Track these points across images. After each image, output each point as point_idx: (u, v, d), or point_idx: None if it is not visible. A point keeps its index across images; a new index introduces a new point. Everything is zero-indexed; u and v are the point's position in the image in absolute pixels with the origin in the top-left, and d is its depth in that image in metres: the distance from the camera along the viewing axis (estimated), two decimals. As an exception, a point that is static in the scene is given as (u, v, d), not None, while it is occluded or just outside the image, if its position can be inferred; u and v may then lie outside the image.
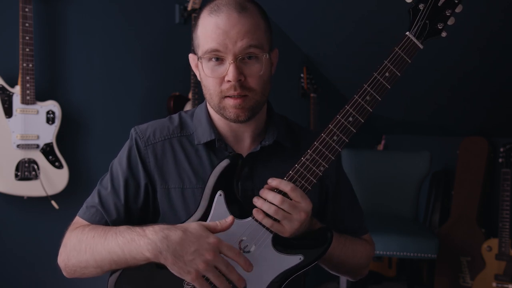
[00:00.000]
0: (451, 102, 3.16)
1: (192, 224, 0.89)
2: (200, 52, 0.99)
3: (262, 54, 0.98)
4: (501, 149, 2.84)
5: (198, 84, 2.40)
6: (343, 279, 2.63)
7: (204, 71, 0.98)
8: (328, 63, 3.33)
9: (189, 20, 2.50)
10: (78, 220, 1.08)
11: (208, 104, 1.09)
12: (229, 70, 0.95)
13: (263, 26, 1.00)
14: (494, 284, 2.78)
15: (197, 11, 2.43)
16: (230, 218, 0.90)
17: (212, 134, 1.05)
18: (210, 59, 0.97)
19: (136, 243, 0.89)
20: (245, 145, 1.08)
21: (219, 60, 0.97)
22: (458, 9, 0.96)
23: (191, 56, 1.08)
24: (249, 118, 1.00)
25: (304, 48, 3.22)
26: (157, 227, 0.89)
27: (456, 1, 0.95)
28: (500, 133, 3.22)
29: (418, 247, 2.53)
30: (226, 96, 0.97)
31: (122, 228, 0.95)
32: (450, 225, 3.19)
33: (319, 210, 1.14)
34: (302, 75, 3.21)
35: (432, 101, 3.23)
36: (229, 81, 0.95)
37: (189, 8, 2.43)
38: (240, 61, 0.96)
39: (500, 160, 2.85)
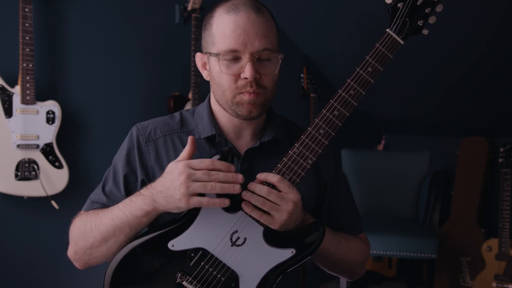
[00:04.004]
0: (451, 102, 3.16)
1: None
2: (215, 49, 1.00)
3: (277, 55, 1.01)
4: (501, 149, 2.84)
5: (198, 84, 2.40)
6: (343, 279, 2.64)
7: (220, 68, 1.00)
8: (328, 63, 3.33)
9: (189, 20, 2.50)
10: (82, 213, 1.12)
11: (212, 101, 1.11)
12: (246, 68, 0.97)
13: (275, 30, 1.04)
14: (494, 284, 2.78)
15: (197, 11, 2.43)
16: (189, 138, 0.95)
17: (213, 129, 1.07)
18: (226, 57, 0.99)
19: (134, 202, 0.97)
20: (245, 141, 1.10)
21: (236, 58, 0.99)
22: (438, 9, 1.00)
23: (198, 55, 1.08)
24: (260, 115, 1.03)
25: (304, 48, 3.22)
26: (147, 185, 0.98)
27: (435, 0, 0.99)
28: (500, 133, 3.22)
29: (418, 247, 2.53)
30: (240, 93, 1.00)
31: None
32: (450, 225, 3.19)
33: (317, 206, 1.15)
34: (302, 75, 3.21)
35: (432, 100, 3.23)
36: (245, 78, 0.98)
37: (189, 8, 2.43)
38: (257, 60, 0.99)
39: (500, 160, 2.85)
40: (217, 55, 1.00)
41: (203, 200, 0.91)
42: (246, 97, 1.00)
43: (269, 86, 1.02)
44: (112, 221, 0.98)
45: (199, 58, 1.08)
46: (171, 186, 0.91)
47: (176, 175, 0.91)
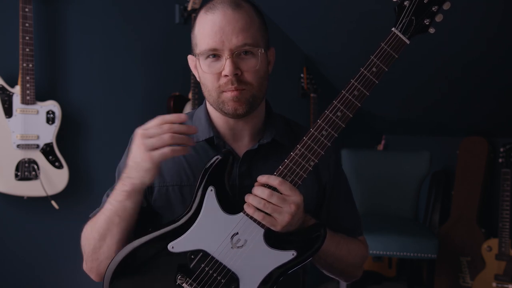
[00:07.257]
0: (451, 102, 3.16)
1: None
2: (197, 50, 1.02)
3: (257, 49, 1.00)
4: (501, 149, 2.84)
5: (198, 84, 2.40)
6: (343, 279, 2.64)
7: (202, 68, 1.01)
8: (328, 63, 3.33)
9: (189, 20, 2.50)
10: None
11: (207, 103, 1.11)
12: (225, 65, 0.97)
13: (258, 24, 1.03)
14: (494, 284, 2.78)
15: (197, 11, 2.43)
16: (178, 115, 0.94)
17: (210, 132, 1.07)
18: (207, 57, 1.00)
19: (115, 189, 0.99)
20: (243, 143, 1.10)
21: (216, 56, 1.00)
22: (446, 6, 0.97)
23: (190, 58, 1.10)
24: (247, 112, 1.02)
25: (304, 47, 3.22)
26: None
27: None
28: (500, 133, 3.22)
29: (418, 247, 2.53)
30: (223, 91, 1.00)
31: None
32: (450, 225, 3.19)
33: (317, 208, 1.14)
34: (302, 75, 3.21)
35: (432, 100, 3.24)
36: (226, 75, 0.98)
37: (189, 8, 2.43)
38: (236, 56, 0.99)
39: (500, 160, 2.85)
40: (197, 55, 1.01)
41: (165, 150, 0.91)
42: (228, 95, 1.00)
43: (254, 81, 1.00)
44: (104, 215, 0.99)
45: (191, 60, 1.10)
46: (135, 154, 0.93)
47: (135, 141, 0.93)
